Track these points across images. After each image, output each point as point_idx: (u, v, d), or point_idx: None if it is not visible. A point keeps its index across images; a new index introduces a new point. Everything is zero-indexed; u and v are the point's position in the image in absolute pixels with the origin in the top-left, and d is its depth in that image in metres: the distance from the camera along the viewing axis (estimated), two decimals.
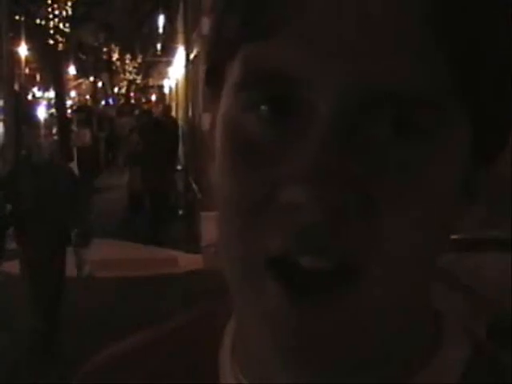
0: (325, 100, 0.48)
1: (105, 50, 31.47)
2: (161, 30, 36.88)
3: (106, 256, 9.20)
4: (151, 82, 41.09)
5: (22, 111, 13.87)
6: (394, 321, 0.53)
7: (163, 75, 36.13)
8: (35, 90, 37.27)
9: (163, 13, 33.01)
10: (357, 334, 0.51)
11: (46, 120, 14.20)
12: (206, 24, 9.25)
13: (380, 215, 0.49)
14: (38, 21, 19.22)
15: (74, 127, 19.60)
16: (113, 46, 32.24)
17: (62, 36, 19.49)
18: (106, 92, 37.64)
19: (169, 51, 28.23)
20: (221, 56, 0.54)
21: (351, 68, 0.48)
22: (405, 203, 0.49)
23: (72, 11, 19.93)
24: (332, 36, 0.48)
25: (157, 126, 11.97)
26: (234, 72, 0.52)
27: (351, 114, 0.49)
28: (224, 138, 0.53)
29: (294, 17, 0.49)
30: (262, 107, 0.51)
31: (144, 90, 42.12)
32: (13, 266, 8.17)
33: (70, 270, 6.11)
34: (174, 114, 16.12)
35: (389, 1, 0.48)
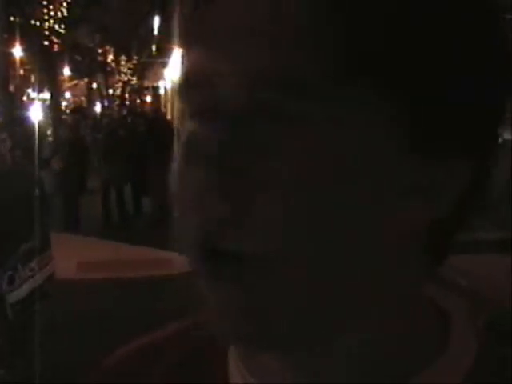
0: (225, 93, 0.54)
1: (100, 51, 31.45)
2: (156, 32, 36.89)
3: (100, 257, 9.21)
4: (146, 83, 41.09)
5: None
6: (316, 303, 0.55)
7: (158, 76, 36.16)
8: (30, 91, 37.23)
9: (159, 14, 33.03)
10: (271, 318, 0.55)
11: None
12: None
13: (268, 197, 0.52)
14: (33, 22, 19.20)
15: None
16: (108, 47, 32.22)
17: (57, 37, 19.48)
18: (100, 93, 37.60)
19: (164, 52, 28.26)
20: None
21: (240, 64, 0.53)
22: (294, 187, 0.52)
23: (67, 12, 19.93)
24: (220, 42, 0.54)
25: (151, 127, 11.96)
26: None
27: (244, 105, 0.53)
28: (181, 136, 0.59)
29: (201, 27, 0.56)
30: (193, 107, 0.57)
31: (139, 91, 42.13)
32: None
33: (66, 272, 6.10)
34: (169, 115, 16.08)
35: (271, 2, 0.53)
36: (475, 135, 0.57)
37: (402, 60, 0.53)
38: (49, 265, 4.31)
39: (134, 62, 36.52)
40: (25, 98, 29.10)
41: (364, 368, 0.58)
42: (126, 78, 36.91)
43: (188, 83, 0.57)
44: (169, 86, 26.65)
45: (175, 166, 0.57)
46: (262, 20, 0.53)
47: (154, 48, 37.62)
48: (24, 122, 13.14)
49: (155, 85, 39.73)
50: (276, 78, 0.52)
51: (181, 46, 0.59)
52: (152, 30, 36.40)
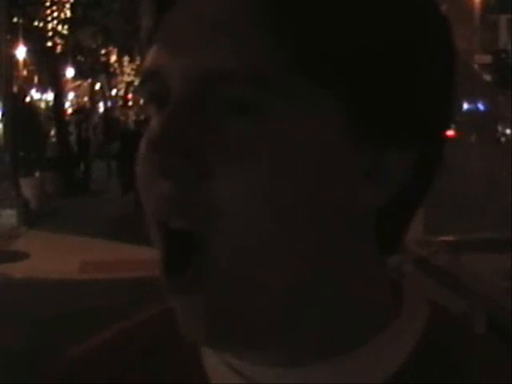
0: (174, 85, 0.59)
1: (103, 52, 31.40)
2: None
3: (103, 257, 9.21)
4: None
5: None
6: (273, 287, 0.59)
7: None
8: (33, 91, 37.23)
9: None
10: (220, 301, 0.58)
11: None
12: None
13: (214, 181, 0.56)
14: (36, 23, 19.19)
15: (71, 129, 19.62)
16: (111, 48, 32.19)
17: (60, 38, 19.44)
18: (103, 94, 37.57)
19: None
20: None
21: (186, 57, 0.58)
22: (240, 174, 0.56)
23: (70, 13, 19.90)
24: (175, 37, 0.60)
25: None
26: None
27: (191, 94, 0.58)
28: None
29: (161, 27, 0.61)
30: (150, 102, 0.62)
31: None
32: (14, 269, 8.19)
33: (68, 271, 6.12)
34: None
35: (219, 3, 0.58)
36: (421, 124, 0.60)
37: (349, 55, 0.57)
38: None
39: (137, 62, 36.48)
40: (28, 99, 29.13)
41: (325, 337, 0.63)
42: (129, 79, 36.89)
43: (144, 76, 0.62)
44: None
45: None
46: (201, 21, 0.59)
47: None
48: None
49: None
50: (238, 73, 0.56)
51: (145, 44, 0.64)
52: None
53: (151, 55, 0.61)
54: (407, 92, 0.59)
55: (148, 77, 0.61)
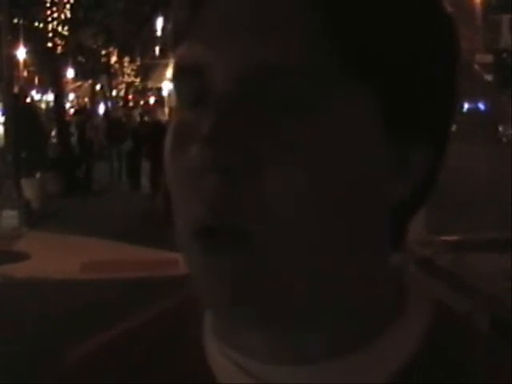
0: (221, 79, 0.57)
1: (103, 52, 31.42)
2: (159, 33, 36.87)
3: (107, 257, 9.22)
4: (150, 84, 41.08)
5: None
6: (302, 281, 0.59)
7: (162, 77, 36.13)
8: (34, 92, 37.25)
9: (162, 15, 33.00)
10: (260, 291, 0.58)
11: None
12: None
13: (266, 177, 0.56)
14: (36, 24, 19.20)
15: (72, 129, 19.62)
16: (111, 48, 32.21)
17: (60, 39, 19.45)
18: (104, 94, 37.61)
19: (167, 54, 28.23)
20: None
21: (237, 51, 0.57)
22: (290, 168, 0.56)
23: (71, 14, 19.91)
24: (222, 31, 0.58)
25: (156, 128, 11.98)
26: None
27: (242, 89, 0.57)
28: (169, 126, 0.63)
29: (200, 22, 0.60)
30: (185, 98, 0.61)
31: (143, 92, 42.12)
32: (16, 269, 8.19)
33: (69, 272, 6.12)
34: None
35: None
36: (436, 124, 0.64)
37: (393, 57, 0.59)
38: None
39: (138, 63, 36.53)
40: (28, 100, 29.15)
41: (336, 335, 0.63)
42: (129, 80, 36.95)
43: (182, 71, 0.61)
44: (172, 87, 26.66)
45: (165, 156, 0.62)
46: (251, 15, 0.58)
47: (157, 49, 37.64)
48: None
49: (158, 86, 39.70)
50: (268, 67, 0.56)
51: (175, 42, 0.63)
52: (155, 31, 36.40)
53: (190, 50, 0.60)
54: (431, 93, 0.62)
55: (188, 72, 0.60)
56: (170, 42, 0.66)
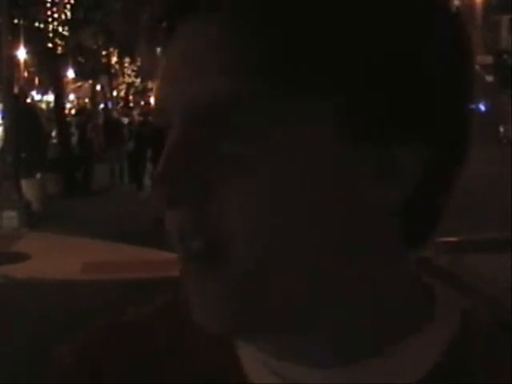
0: (174, 115, 0.62)
1: (104, 53, 31.43)
2: None
3: (108, 258, 9.22)
4: (150, 84, 41.06)
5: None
6: (291, 287, 0.60)
7: None
8: (34, 93, 37.23)
9: None
10: (245, 303, 0.60)
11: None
12: None
13: (220, 204, 0.59)
14: (37, 24, 19.20)
15: (72, 130, 19.60)
16: (112, 49, 32.21)
17: (61, 39, 19.45)
18: (104, 95, 37.60)
19: None
20: None
21: (179, 90, 0.61)
22: (243, 194, 0.59)
23: (71, 15, 19.91)
24: (169, 71, 0.63)
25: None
26: None
27: (188, 125, 0.61)
28: None
29: (163, 61, 0.65)
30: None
31: (143, 92, 42.09)
32: (16, 270, 8.18)
33: (70, 273, 6.12)
34: None
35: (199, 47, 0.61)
36: (434, 125, 0.61)
37: (348, 66, 0.59)
38: None
39: (138, 63, 36.51)
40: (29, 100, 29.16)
41: (350, 339, 0.64)
42: (129, 80, 36.92)
43: (156, 106, 0.66)
44: None
45: None
46: (183, 60, 0.62)
47: (158, 50, 37.55)
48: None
49: None
50: (224, 102, 0.59)
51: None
52: None
53: (157, 90, 0.65)
54: (422, 93, 0.60)
55: (158, 107, 0.65)
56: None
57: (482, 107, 37.69)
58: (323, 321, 0.62)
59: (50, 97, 28.20)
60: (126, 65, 37.44)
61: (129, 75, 38.21)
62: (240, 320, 0.61)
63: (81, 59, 29.13)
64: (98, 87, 37.18)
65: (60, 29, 19.40)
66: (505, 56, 34.39)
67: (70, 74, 34.95)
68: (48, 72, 22.33)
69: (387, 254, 0.64)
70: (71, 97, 41.29)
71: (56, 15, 19.37)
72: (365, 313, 0.63)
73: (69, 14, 19.80)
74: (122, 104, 37.27)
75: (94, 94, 35.82)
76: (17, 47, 22.89)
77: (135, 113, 26.99)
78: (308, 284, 0.60)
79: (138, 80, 39.68)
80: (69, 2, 19.83)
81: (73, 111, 28.13)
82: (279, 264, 0.60)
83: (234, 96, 0.59)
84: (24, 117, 13.43)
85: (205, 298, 0.62)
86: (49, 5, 19.21)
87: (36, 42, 20.80)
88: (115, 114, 26.90)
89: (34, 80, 38.30)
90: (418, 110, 0.60)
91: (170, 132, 0.62)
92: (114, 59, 34.95)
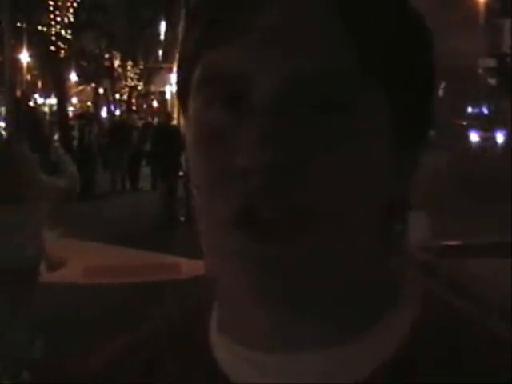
0: (264, 88, 0.62)
1: (106, 56, 31.45)
2: (162, 37, 36.86)
3: (109, 262, 9.22)
4: (153, 88, 41.03)
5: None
6: (345, 263, 0.65)
7: (165, 81, 36.12)
8: (37, 96, 37.26)
9: (164, 19, 33.02)
10: (316, 270, 0.63)
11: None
12: None
13: (314, 169, 0.62)
14: (39, 27, 19.24)
15: (74, 133, 19.59)
16: (114, 52, 32.22)
17: (63, 43, 19.48)
18: (107, 98, 37.60)
19: (170, 57, 28.27)
20: (188, 66, 0.68)
21: (277, 63, 0.62)
22: (330, 166, 0.62)
23: (74, 18, 19.95)
24: (263, 40, 0.62)
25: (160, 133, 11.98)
26: (196, 77, 0.66)
27: (283, 98, 0.62)
28: (192, 128, 0.67)
29: (237, 33, 0.63)
30: (216, 103, 0.64)
31: (145, 96, 42.10)
32: None
33: (71, 276, 6.11)
34: (175, 120, 16.08)
35: (302, 11, 0.63)
36: (427, 128, 0.70)
37: (400, 62, 0.65)
38: None
39: (141, 67, 36.55)
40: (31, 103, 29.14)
41: (336, 324, 0.67)
42: (132, 83, 36.94)
43: (213, 78, 0.64)
44: (175, 91, 26.69)
45: (188, 152, 0.67)
46: (286, 32, 0.63)
47: (160, 53, 37.64)
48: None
49: (162, 90, 39.69)
50: (329, 77, 0.62)
51: (203, 44, 0.65)
52: (158, 35, 36.41)
53: (227, 57, 0.63)
54: (430, 100, 0.69)
55: (222, 77, 0.64)
56: (184, 43, 0.69)
57: (485, 110, 37.63)
58: (320, 295, 0.65)
59: (53, 100, 28.21)
60: (129, 68, 37.44)
61: (131, 79, 38.22)
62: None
63: (83, 62, 29.20)
64: (101, 90, 37.18)
65: (63, 32, 19.43)
66: (508, 59, 34.36)
67: (73, 77, 34.97)
68: (51, 75, 22.35)
69: (380, 244, 0.68)
70: (74, 100, 41.27)
71: (59, 19, 19.40)
72: (341, 298, 0.67)
73: (71, 17, 19.83)
74: (124, 107, 37.25)
75: (96, 98, 35.83)
76: (19, 50, 22.93)
77: (135, 116, 26.98)
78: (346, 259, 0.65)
79: (141, 83, 39.70)
80: (71, 6, 19.86)
81: (77, 113, 28.10)
82: (343, 236, 0.64)
83: (333, 71, 0.62)
84: (26, 120, 13.44)
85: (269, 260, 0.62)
86: (51, 8, 19.24)
87: (39, 45, 20.85)
88: (118, 117, 26.88)
89: (36, 83, 38.33)
90: (425, 114, 0.69)
91: (253, 100, 0.62)
92: (117, 62, 34.94)
